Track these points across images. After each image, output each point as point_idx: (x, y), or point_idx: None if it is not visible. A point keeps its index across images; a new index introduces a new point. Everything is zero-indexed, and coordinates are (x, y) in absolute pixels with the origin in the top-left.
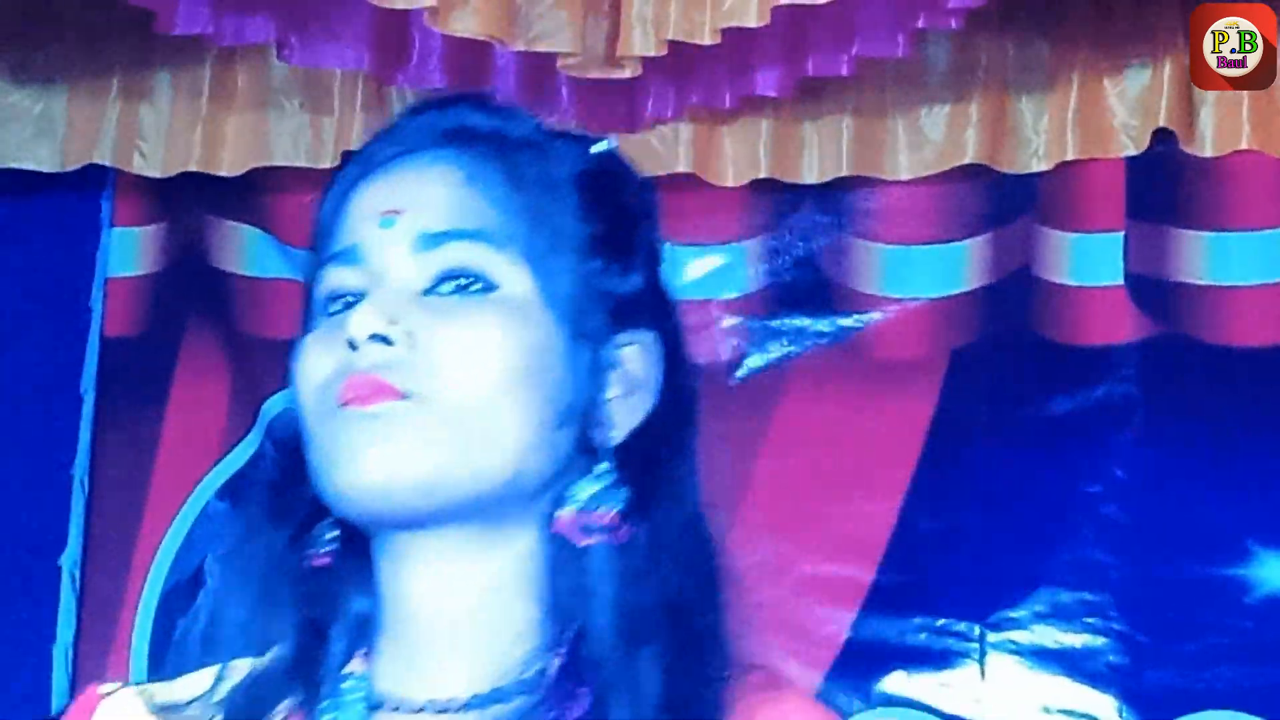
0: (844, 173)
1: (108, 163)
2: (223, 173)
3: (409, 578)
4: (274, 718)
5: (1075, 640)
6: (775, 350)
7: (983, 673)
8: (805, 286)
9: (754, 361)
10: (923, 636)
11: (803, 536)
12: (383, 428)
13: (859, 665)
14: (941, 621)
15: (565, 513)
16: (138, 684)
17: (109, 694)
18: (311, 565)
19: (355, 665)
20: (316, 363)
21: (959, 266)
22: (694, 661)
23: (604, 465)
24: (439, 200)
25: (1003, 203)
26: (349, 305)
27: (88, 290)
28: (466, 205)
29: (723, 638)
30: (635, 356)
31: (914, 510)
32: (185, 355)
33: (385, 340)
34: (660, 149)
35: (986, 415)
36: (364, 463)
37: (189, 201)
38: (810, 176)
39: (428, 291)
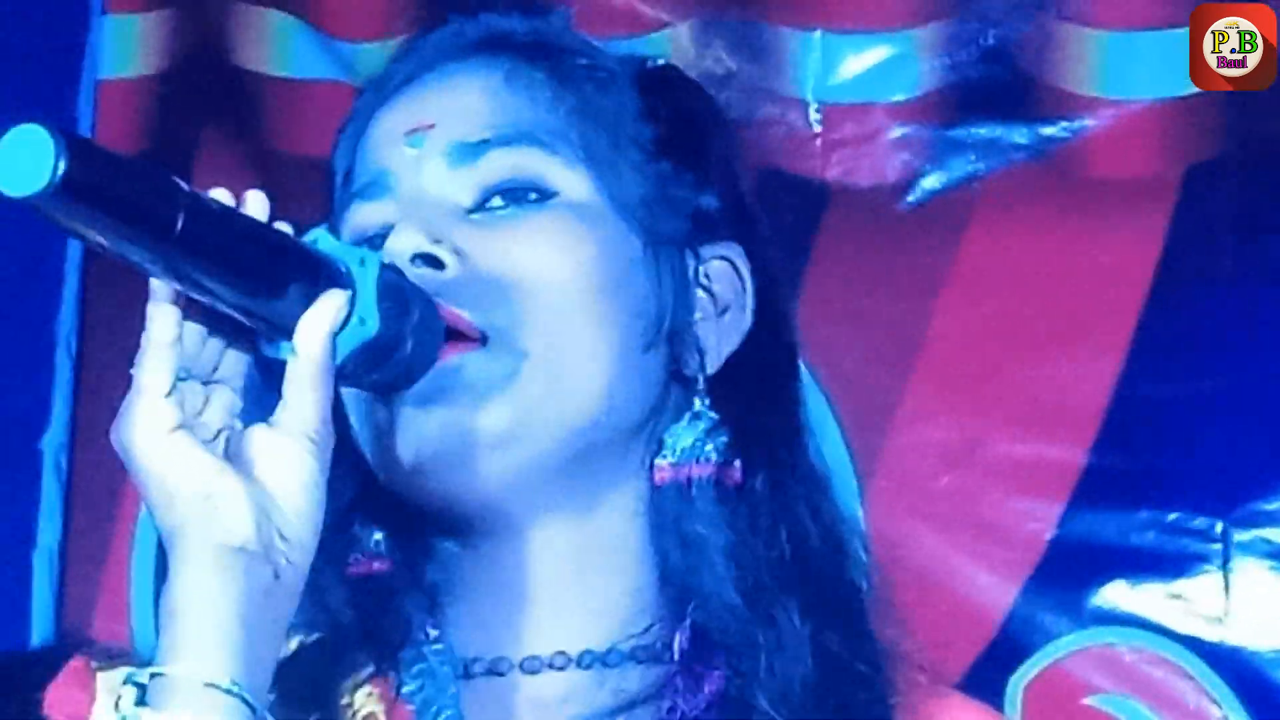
0: None
1: None
2: None
3: (496, 551)
4: (344, 690)
5: None
6: (958, 168)
7: (1227, 582)
8: (996, 85)
9: (931, 183)
10: (1150, 535)
11: (994, 407)
12: (453, 378)
13: (1067, 572)
14: (1174, 516)
15: (664, 463)
16: (143, 666)
17: (103, 671)
18: (359, 572)
19: (433, 631)
20: None
21: None
22: (840, 635)
23: (700, 402)
24: (474, 107)
25: None
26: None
27: (74, 96)
28: (507, 108)
29: (863, 606)
30: (723, 273)
31: (1138, 372)
32: (199, 178)
33: (433, 261)
34: None
35: (1231, 250)
36: (432, 425)
37: None
38: None
39: (474, 210)
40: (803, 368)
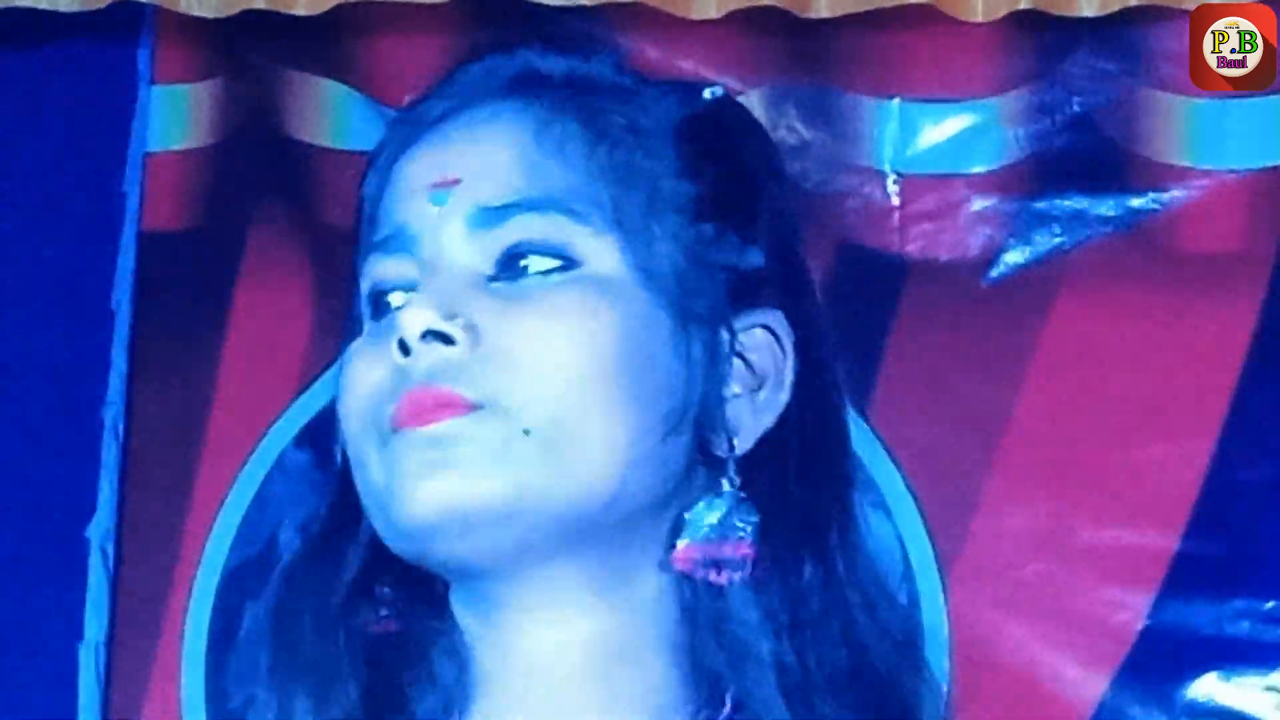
0: (1134, 1)
1: None
2: (298, 11)
3: (510, 632)
4: None
5: None
6: (1042, 242)
7: None
8: (1082, 155)
9: (1014, 257)
10: (1244, 625)
11: (1081, 492)
12: (447, 449)
13: (1159, 664)
14: (1270, 605)
15: (685, 545)
16: None
17: None
18: (372, 633)
19: None
20: (363, 377)
21: None
22: None
23: (728, 483)
24: (501, 165)
25: None
26: (397, 305)
27: (119, 169)
28: (535, 169)
29: (921, 707)
30: (762, 343)
31: (1231, 455)
32: (251, 255)
33: (444, 339)
34: None
35: None
36: (426, 494)
37: (254, 50)
38: (1089, 7)
39: (493, 278)
40: (871, 450)
